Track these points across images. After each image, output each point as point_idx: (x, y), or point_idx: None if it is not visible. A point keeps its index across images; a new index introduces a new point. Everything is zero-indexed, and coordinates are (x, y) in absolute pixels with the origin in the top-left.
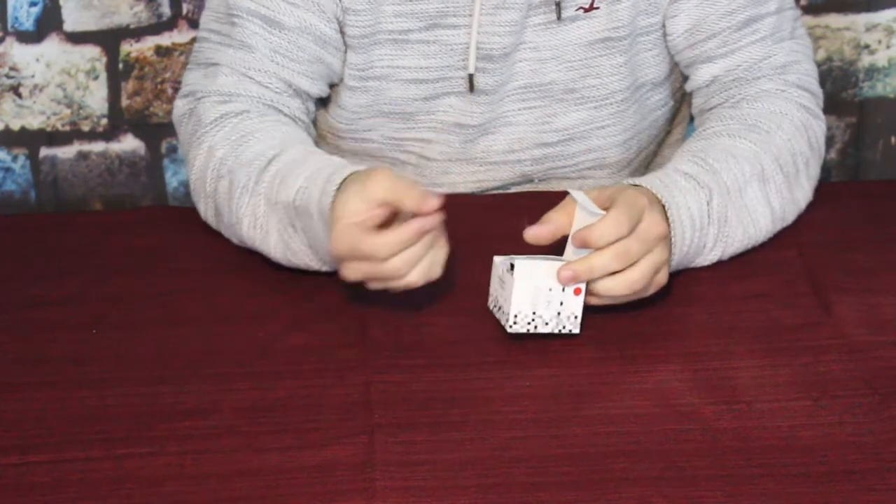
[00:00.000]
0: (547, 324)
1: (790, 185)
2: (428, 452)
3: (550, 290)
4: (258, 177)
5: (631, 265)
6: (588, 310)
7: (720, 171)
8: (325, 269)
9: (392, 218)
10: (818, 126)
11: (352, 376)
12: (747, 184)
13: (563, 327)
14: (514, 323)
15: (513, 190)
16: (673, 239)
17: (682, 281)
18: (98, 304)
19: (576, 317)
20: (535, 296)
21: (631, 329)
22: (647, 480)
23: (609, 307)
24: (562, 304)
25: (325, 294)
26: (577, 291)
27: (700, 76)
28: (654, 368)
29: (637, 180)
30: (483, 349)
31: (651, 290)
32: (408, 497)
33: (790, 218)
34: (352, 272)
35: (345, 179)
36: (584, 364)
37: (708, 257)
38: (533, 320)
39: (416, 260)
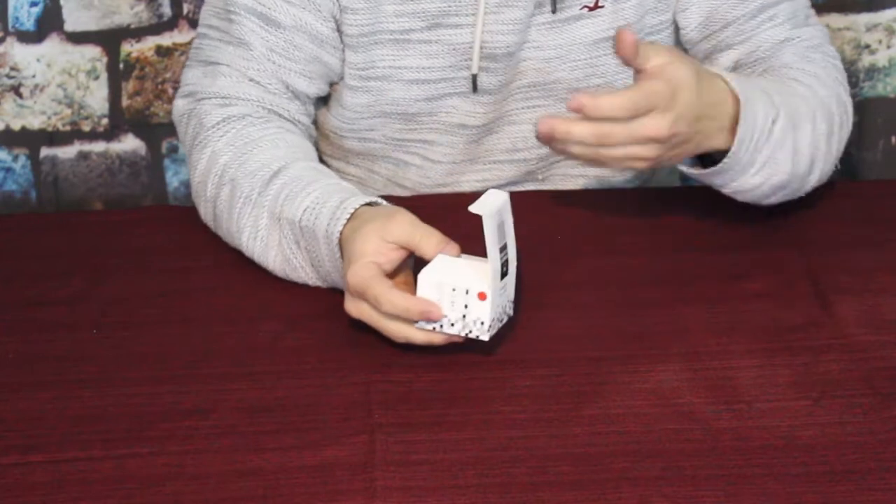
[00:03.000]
0: (453, 325)
1: (829, 140)
2: (428, 452)
3: (454, 290)
4: (262, 188)
5: (605, 146)
6: (589, 306)
7: (785, 102)
8: (323, 286)
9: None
10: (849, 103)
11: (352, 376)
12: (802, 120)
13: (470, 332)
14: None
15: (517, 188)
16: (736, 140)
17: (682, 281)
18: (98, 304)
19: (482, 323)
20: (439, 294)
21: (631, 329)
22: (647, 480)
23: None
24: (466, 307)
25: (325, 294)
26: (481, 296)
27: (722, 64)
28: (654, 368)
29: (724, 74)
30: (483, 349)
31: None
32: (408, 497)
33: (828, 170)
34: (354, 309)
35: (356, 210)
36: (583, 364)
37: (750, 181)
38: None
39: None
